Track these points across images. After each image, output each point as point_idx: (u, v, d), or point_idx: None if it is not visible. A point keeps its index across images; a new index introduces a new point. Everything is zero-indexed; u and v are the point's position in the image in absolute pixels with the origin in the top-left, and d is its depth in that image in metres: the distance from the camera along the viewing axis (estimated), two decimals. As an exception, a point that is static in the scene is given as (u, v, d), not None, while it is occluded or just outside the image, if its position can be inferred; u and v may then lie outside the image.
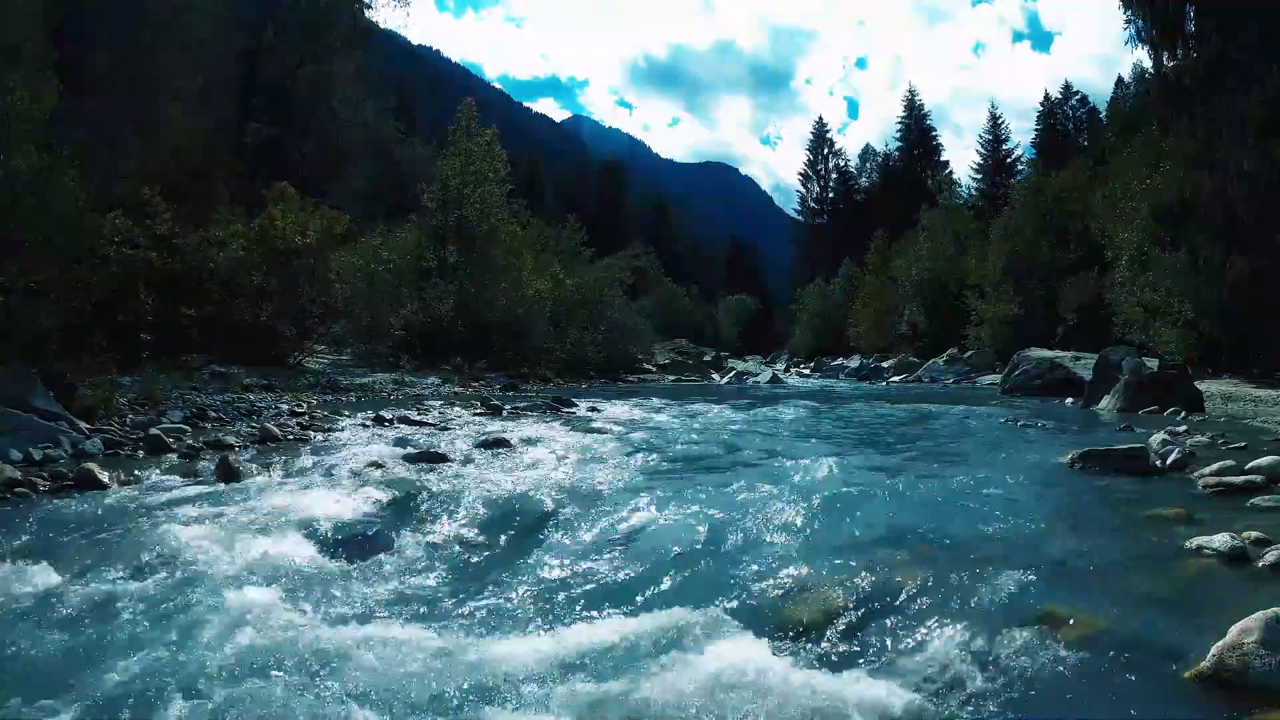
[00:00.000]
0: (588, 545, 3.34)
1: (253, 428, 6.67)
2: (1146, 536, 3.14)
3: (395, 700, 2.03)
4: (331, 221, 13.77)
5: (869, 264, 40.95)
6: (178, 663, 2.19)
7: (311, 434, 6.65)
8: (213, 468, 4.83)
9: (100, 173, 9.71)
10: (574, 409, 9.90)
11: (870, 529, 3.44)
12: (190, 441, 5.75)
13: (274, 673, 2.14)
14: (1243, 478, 3.98)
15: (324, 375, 13.01)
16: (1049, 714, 1.89)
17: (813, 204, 63.11)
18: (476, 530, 3.64)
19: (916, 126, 58.27)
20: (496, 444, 6.15)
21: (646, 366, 24.40)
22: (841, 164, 62.62)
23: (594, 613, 2.63)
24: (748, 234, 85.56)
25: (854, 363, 30.57)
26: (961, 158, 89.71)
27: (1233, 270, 14.76)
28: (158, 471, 4.80)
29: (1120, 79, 39.04)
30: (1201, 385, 10.75)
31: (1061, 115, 48.29)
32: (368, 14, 25.57)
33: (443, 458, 5.43)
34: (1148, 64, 18.16)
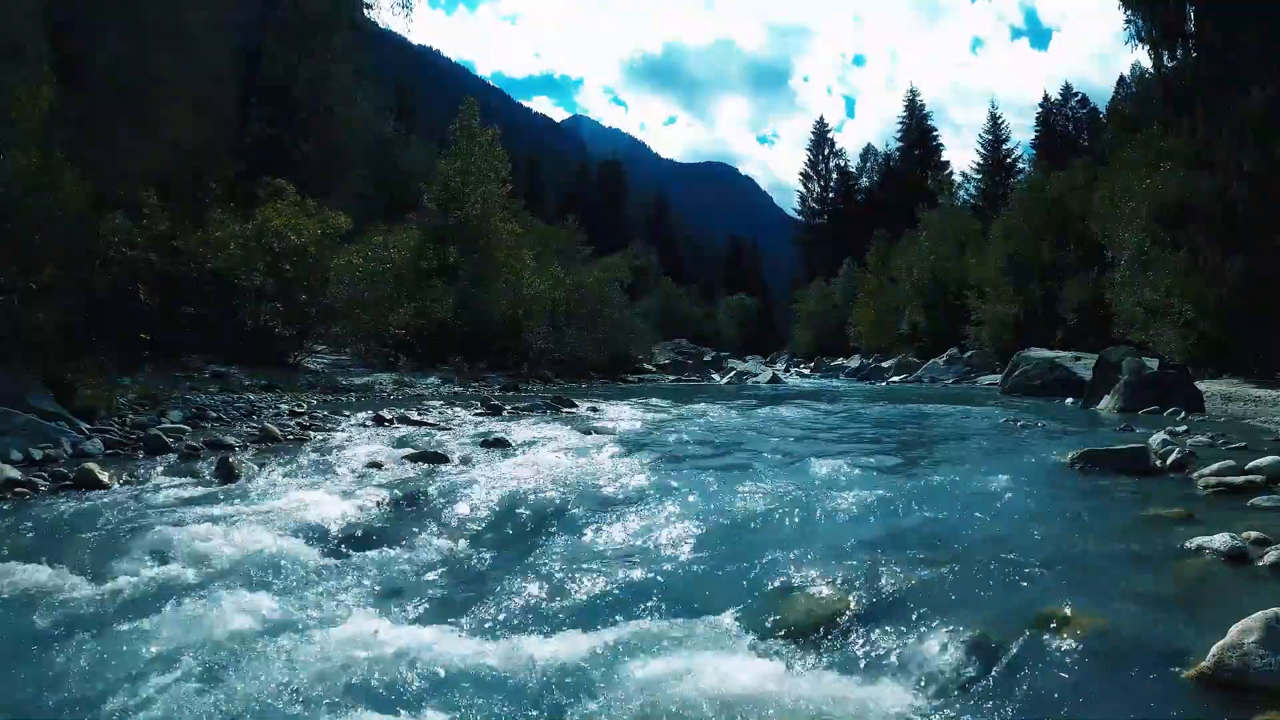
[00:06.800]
0: (587, 546, 3.34)
1: (252, 428, 6.66)
2: (1146, 536, 3.14)
3: (393, 699, 2.03)
4: (333, 223, 13.74)
5: (869, 264, 40.95)
6: (178, 662, 2.19)
7: (311, 434, 6.65)
8: (213, 468, 4.84)
9: (100, 173, 9.69)
10: (574, 409, 9.90)
11: (870, 529, 3.45)
12: (190, 441, 5.74)
13: (273, 672, 2.14)
14: (1243, 478, 3.97)
15: (323, 375, 13.00)
16: (1049, 714, 1.89)
17: (813, 204, 63.08)
18: (475, 531, 3.64)
19: (917, 126, 58.26)
20: (496, 444, 6.16)
21: (647, 367, 24.40)
22: (842, 164, 62.68)
23: (593, 614, 2.63)
24: (748, 234, 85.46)
25: (854, 363, 30.61)
26: (960, 156, 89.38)
27: (1233, 270, 14.75)
28: (158, 471, 4.80)
29: (1121, 78, 39.07)
30: (1201, 385, 10.75)
31: (1061, 116, 48.28)
32: (368, 14, 25.53)
33: (442, 458, 5.43)
34: (1148, 64, 18.17)
